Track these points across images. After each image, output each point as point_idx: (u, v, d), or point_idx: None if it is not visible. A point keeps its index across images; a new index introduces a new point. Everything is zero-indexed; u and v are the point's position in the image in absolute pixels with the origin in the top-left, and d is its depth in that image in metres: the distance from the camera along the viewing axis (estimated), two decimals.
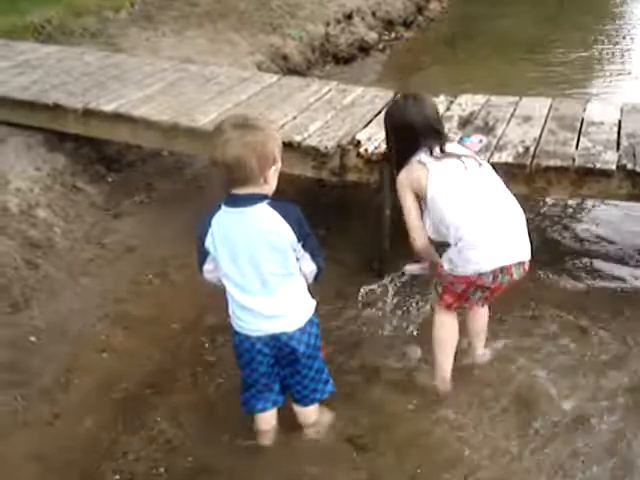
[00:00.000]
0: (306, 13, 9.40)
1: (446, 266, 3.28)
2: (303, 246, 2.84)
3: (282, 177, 4.73)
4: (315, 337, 3.00)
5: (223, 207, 2.83)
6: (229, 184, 2.78)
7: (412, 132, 3.30)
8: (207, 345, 3.88)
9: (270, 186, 2.82)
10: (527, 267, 3.29)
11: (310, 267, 2.92)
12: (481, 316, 3.64)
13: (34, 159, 5.13)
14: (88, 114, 5.05)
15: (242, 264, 2.83)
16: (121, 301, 4.25)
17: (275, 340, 2.92)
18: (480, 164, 3.35)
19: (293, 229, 2.78)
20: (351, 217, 5.06)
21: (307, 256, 2.88)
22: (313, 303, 3.01)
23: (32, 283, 4.23)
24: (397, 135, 3.41)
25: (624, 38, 10.08)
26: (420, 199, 3.29)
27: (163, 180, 5.57)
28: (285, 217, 2.77)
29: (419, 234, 3.33)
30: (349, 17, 9.66)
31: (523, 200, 3.46)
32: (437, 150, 3.29)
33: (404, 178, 3.31)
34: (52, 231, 4.71)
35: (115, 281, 4.41)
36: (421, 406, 3.44)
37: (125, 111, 4.96)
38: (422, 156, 3.29)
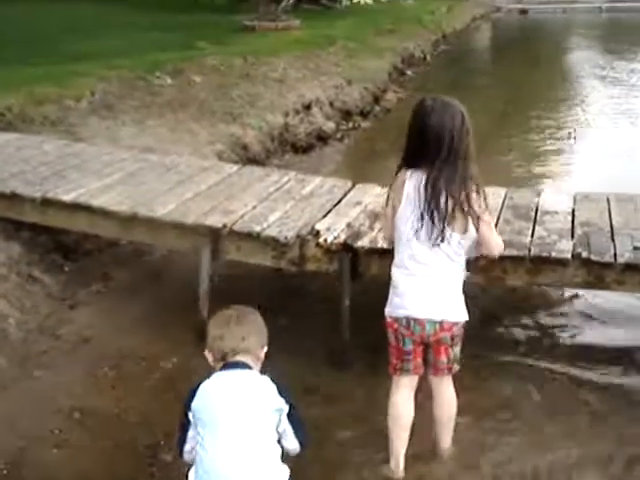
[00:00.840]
0: (265, 103, 9.59)
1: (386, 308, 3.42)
2: (288, 415, 2.83)
3: (242, 267, 4.78)
4: None
5: (214, 374, 2.88)
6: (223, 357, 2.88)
7: (425, 142, 3.24)
8: (163, 442, 3.75)
9: (259, 365, 2.93)
10: (448, 328, 3.31)
11: (293, 444, 2.87)
12: (445, 403, 3.53)
13: None
14: (46, 203, 5.03)
15: (226, 426, 2.76)
16: (75, 395, 4.13)
17: None
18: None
19: (281, 394, 2.82)
20: (313, 305, 5.04)
21: (290, 430, 2.85)
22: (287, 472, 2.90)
23: None
24: (408, 135, 3.33)
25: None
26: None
27: (120, 269, 5.53)
28: (276, 384, 2.84)
29: (385, 228, 3.60)
30: (308, 107, 9.88)
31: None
32: (423, 183, 3.23)
33: (395, 182, 3.35)
34: (6, 322, 4.63)
35: (69, 374, 4.31)
36: None
37: (84, 201, 4.94)
38: (412, 178, 3.27)
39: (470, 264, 4.03)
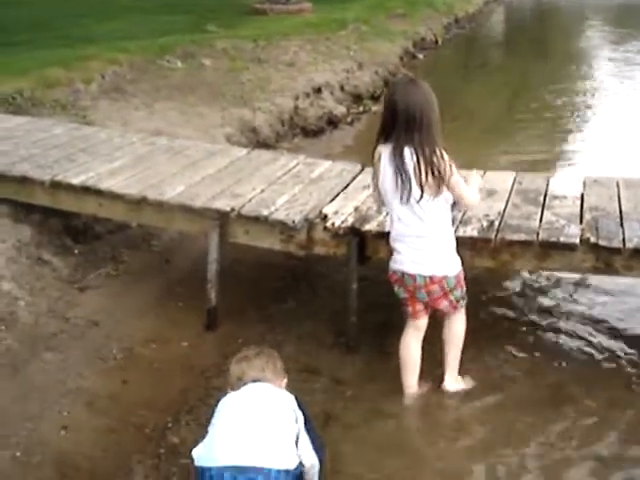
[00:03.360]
0: (275, 87, 9.56)
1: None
2: (306, 428, 2.92)
3: (250, 250, 4.79)
4: None
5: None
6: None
7: (394, 116, 3.62)
8: (171, 425, 3.78)
9: (279, 385, 3.10)
10: (437, 281, 3.74)
11: (311, 460, 2.91)
12: (453, 326, 3.95)
13: None
14: (55, 186, 5.04)
15: (242, 427, 2.85)
16: (84, 377, 4.16)
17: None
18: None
19: (299, 406, 2.97)
20: (320, 289, 5.06)
21: (308, 442, 2.91)
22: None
23: None
24: (383, 113, 3.73)
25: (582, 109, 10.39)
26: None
27: (130, 252, 5.54)
28: (294, 397, 3.00)
29: (373, 196, 4.01)
30: (318, 91, 9.83)
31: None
32: (396, 152, 3.62)
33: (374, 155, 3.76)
34: (16, 304, 4.65)
35: (79, 356, 4.33)
36: None
37: (93, 184, 4.95)
38: (386, 150, 3.67)
39: (479, 248, 4.09)
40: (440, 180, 3.60)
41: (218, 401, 3.02)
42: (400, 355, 3.95)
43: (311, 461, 2.91)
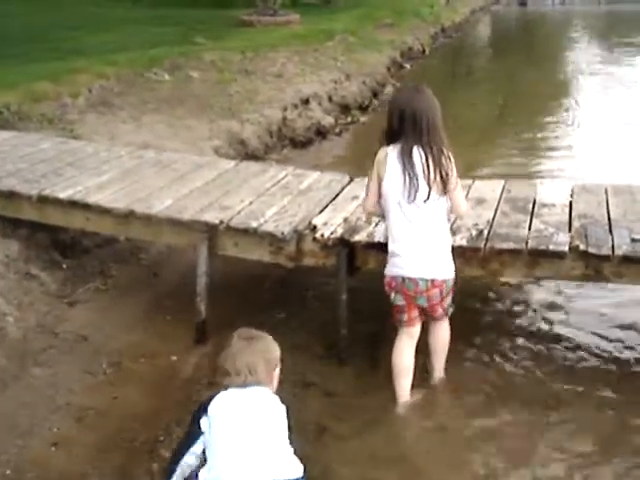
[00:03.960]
0: (263, 98, 9.57)
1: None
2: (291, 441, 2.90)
3: (239, 262, 4.77)
4: None
5: (224, 391, 2.94)
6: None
7: (401, 120, 3.73)
8: (162, 439, 3.75)
9: (273, 386, 3.01)
10: (438, 285, 3.78)
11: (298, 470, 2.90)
12: (439, 334, 4.00)
13: None
14: (43, 201, 5.02)
15: (242, 446, 2.81)
16: (74, 392, 4.13)
17: None
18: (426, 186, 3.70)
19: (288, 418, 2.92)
20: (310, 300, 5.05)
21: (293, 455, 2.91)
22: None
23: None
24: (388, 117, 3.82)
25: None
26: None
27: (119, 266, 5.52)
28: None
29: (367, 200, 3.95)
30: (306, 102, 9.85)
31: None
32: (404, 152, 3.70)
33: (377, 157, 3.83)
34: (4, 320, 4.61)
35: (68, 372, 4.30)
36: None
37: (80, 198, 4.93)
38: (393, 151, 3.74)
39: (469, 257, 4.10)
40: (446, 181, 3.70)
41: (209, 400, 2.95)
42: (393, 363, 3.93)
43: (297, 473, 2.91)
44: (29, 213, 5.15)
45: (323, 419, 3.88)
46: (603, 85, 13.01)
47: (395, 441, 3.76)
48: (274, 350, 3.02)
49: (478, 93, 12.28)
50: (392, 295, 3.85)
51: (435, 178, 3.68)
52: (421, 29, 17.62)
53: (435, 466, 3.57)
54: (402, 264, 3.78)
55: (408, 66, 14.56)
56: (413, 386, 3.96)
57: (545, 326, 4.76)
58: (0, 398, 4.02)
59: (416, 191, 3.68)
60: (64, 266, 5.37)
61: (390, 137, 3.79)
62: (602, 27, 21.70)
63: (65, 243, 5.53)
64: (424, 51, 16.35)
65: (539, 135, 9.79)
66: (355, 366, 4.31)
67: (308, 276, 5.06)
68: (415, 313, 3.87)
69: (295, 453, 2.92)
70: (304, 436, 3.34)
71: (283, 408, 2.94)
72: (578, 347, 4.50)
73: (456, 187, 3.80)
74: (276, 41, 12.80)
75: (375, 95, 11.61)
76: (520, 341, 4.56)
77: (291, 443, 2.93)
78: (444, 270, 3.82)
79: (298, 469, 2.86)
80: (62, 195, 4.98)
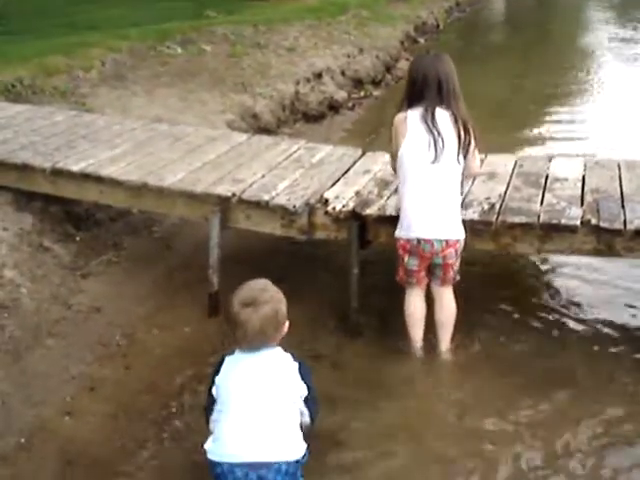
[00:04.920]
0: (276, 72, 9.53)
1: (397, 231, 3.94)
2: (305, 400, 2.94)
3: (251, 235, 4.79)
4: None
5: (237, 351, 2.96)
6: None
7: (423, 84, 3.85)
8: (175, 409, 3.79)
9: (281, 334, 3.00)
10: (452, 244, 3.87)
11: (305, 420, 3.00)
12: (445, 307, 4.06)
13: (1, 219, 5.09)
14: (56, 174, 5.04)
15: (247, 400, 2.86)
16: (87, 363, 4.17)
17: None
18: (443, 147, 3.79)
19: (301, 372, 2.95)
20: (322, 274, 5.05)
21: (305, 412, 2.97)
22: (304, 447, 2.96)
23: None
24: (409, 81, 3.94)
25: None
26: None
27: (132, 239, 5.55)
28: (299, 365, 2.96)
29: (393, 162, 4.06)
30: (319, 76, 9.80)
31: None
32: (428, 114, 3.80)
33: (395, 119, 3.92)
34: (18, 292, 4.65)
35: (81, 343, 4.34)
36: None
37: (93, 171, 4.95)
38: (414, 112, 3.83)
39: (480, 231, 4.10)
40: (470, 142, 3.84)
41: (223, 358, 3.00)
42: (405, 312, 4.07)
43: (304, 421, 2.99)
44: (43, 186, 5.17)
45: (334, 391, 3.88)
46: (619, 55, 12.89)
47: (406, 413, 3.77)
48: (281, 309, 2.93)
49: (492, 66, 12.17)
50: (406, 258, 3.93)
51: (460, 139, 3.80)
52: (435, 3, 17.43)
53: (446, 438, 3.59)
54: (416, 226, 3.85)
55: (422, 40, 14.44)
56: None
57: (558, 299, 4.76)
58: (14, 368, 4.05)
59: (442, 151, 3.78)
60: (77, 239, 5.40)
61: (410, 101, 3.87)
62: (621, 5, 21.38)
63: (78, 216, 5.56)
64: (438, 25, 16.19)
65: (555, 108, 9.69)
66: (366, 338, 4.33)
67: (320, 249, 5.07)
68: (423, 273, 3.99)
69: (315, 413, 2.99)
70: None
71: (296, 366, 2.94)
72: (593, 321, 4.50)
73: (475, 149, 3.93)
74: (289, 14, 12.72)
75: (388, 70, 11.54)
76: (531, 316, 4.56)
77: (314, 400, 2.98)
78: (456, 231, 3.91)
79: (301, 449, 2.89)
80: (75, 168, 5.00)
